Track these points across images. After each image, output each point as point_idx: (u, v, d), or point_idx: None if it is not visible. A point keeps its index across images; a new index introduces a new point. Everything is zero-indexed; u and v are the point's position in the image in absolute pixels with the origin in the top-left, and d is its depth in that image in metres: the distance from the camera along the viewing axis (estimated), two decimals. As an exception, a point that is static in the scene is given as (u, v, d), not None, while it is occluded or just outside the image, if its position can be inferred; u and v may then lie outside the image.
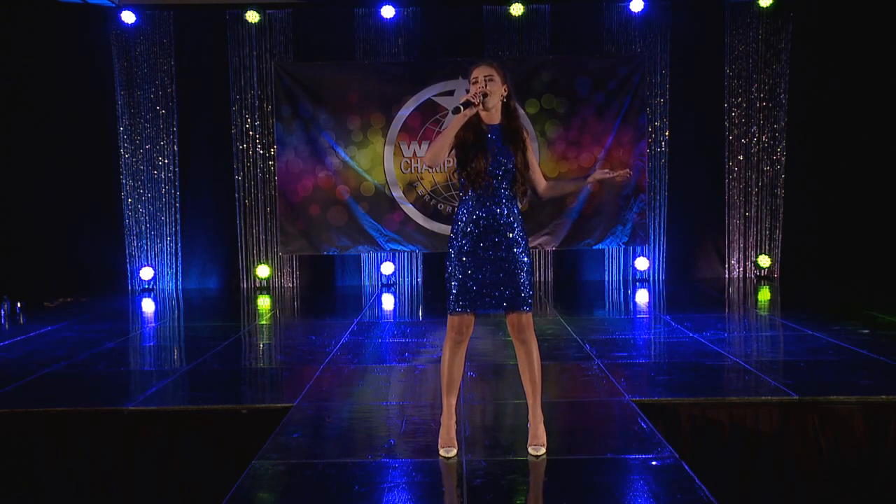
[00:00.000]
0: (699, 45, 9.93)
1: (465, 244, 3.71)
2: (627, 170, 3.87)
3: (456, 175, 3.77)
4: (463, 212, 3.75)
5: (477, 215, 3.70)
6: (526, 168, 3.76)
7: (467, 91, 3.74)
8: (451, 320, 3.74)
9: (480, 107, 3.65)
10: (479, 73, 3.71)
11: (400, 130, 9.90)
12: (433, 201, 9.97)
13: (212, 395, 5.00)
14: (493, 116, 3.75)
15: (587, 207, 9.96)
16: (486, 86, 3.66)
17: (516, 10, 9.79)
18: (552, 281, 10.25)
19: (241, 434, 4.54)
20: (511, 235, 3.71)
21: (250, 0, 9.75)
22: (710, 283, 9.84)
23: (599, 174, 3.80)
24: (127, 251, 10.13)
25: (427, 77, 9.86)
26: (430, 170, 9.88)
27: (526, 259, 3.74)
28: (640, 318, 7.97)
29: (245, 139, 10.04)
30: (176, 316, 8.47)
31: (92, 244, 9.89)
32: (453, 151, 3.73)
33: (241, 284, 10.23)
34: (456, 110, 3.56)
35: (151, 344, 6.98)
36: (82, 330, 7.29)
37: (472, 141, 3.67)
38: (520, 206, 3.80)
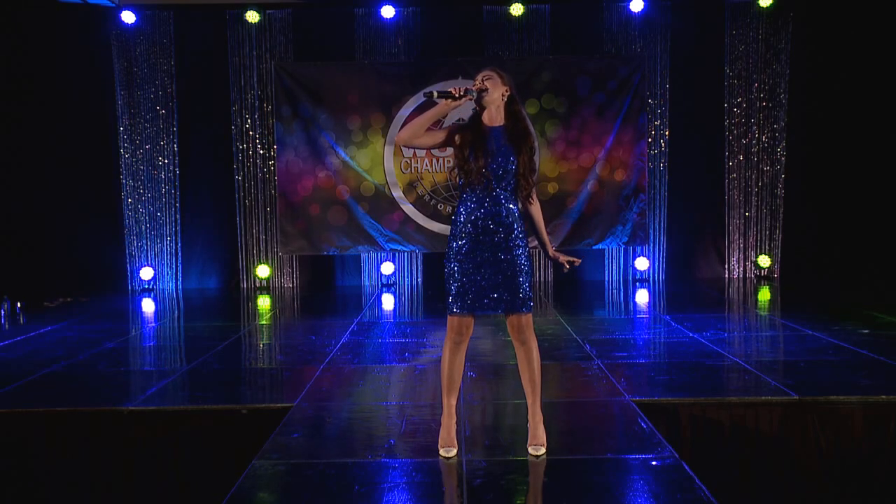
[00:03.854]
0: (699, 45, 9.92)
1: (465, 245, 3.71)
2: (575, 259, 3.89)
3: (455, 174, 3.76)
4: (462, 212, 3.74)
5: (476, 216, 3.70)
6: (530, 172, 3.73)
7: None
8: (451, 321, 3.74)
9: (463, 101, 3.61)
10: (480, 74, 3.72)
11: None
12: (433, 201, 9.97)
13: (212, 395, 5.00)
14: (495, 118, 3.74)
15: (587, 207, 9.95)
16: (481, 82, 3.66)
17: (516, 10, 9.78)
18: (552, 281, 10.25)
19: (241, 434, 4.53)
20: (511, 236, 3.71)
21: (250, 0, 9.75)
22: (710, 283, 9.84)
23: (562, 258, 3.91)
24: (127, 251, 10.13)
25: (427, 77, 9.85)
26: (430, 170, 9.88)
27: (526, 260, 3.74)
28: (640, 318, 7.97)
29: (245, 139, 10.04)
30: (176, 316, 8.47)
31: (92, 244, 9.88)
32: (454, 151, 3.73)
33: (241, 284, 10.23)
34: (428, 95, 3.57)
35: (151, 344, 6.98)
36: (82, 330, 7.28)
37: (471, 140, 3.67)
38: (520, 208, 3.80)
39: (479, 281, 3.69)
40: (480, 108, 3.72)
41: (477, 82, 3.68)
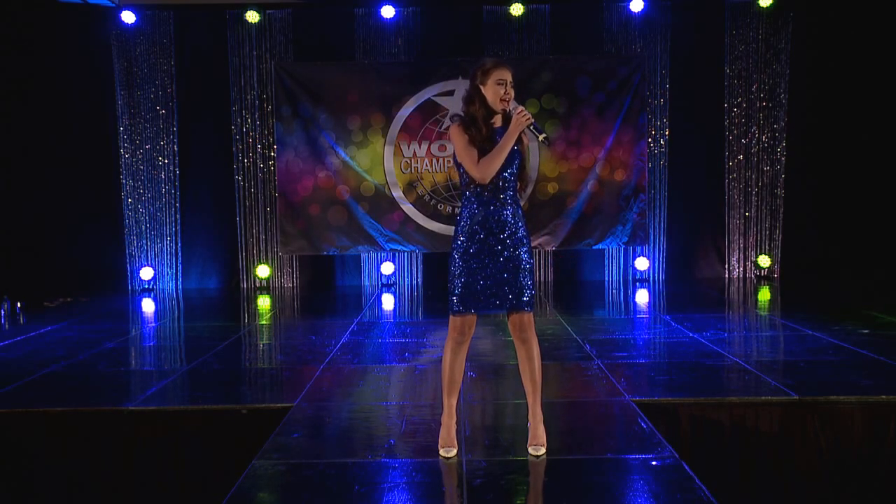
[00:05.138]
0: (699, 45, 9.92)
1: (470, 244, 3.70)
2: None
3: (458, 174, 3.76)
4: (467, 212, 3.74)
5: (481, 216, 3.70)
6: (523, 168, 3.77)
7: (473, 89, 3.71)
8: (454, 321, 3.74)
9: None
10: (507, 76, 3.70)
11: (400, 130, 9.90)
12: (433, 201, 9.96)
13: (212, 395, 5.00)
14: (497, 119, 3.75)
15: (587, 207, 9.95)
16: (512, 92, 3.69)
17: (516, 10, 9.78)
18: (552, 281, 10.25)
19: (241, 434, 4.54)
20: (515, 235, 3.71)
21: (250, 0, 9.75)
22: (710, 283, 9.84)
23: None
24: (127, 251, 10.13)
25: (427, 77, 9.86)
26: (430, 170, 9.88)
27: (529, 259, 3.75)
28: (640, 318, 7.97)
29: (245, 139, 10.04)
30: (176, 316, 8.47)
31: (92, 244, 9.88)
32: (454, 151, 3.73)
33: (241, 284, 10.23)
34: (546, 140, 3.65)
35: (151, 344, 6.98)
36: (82, 330, 7.28)
37: (479, 142, 3.66)
38: (522, 207, 3.81)
39: (483, 280, 3.69)
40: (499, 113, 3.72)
41: (509, 92, 3.69)
